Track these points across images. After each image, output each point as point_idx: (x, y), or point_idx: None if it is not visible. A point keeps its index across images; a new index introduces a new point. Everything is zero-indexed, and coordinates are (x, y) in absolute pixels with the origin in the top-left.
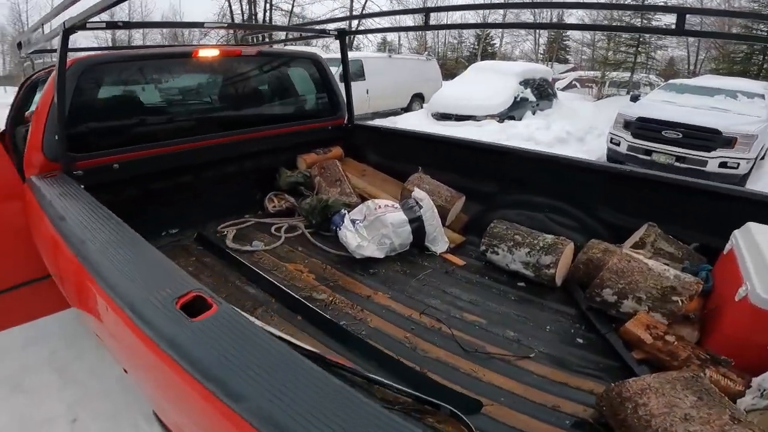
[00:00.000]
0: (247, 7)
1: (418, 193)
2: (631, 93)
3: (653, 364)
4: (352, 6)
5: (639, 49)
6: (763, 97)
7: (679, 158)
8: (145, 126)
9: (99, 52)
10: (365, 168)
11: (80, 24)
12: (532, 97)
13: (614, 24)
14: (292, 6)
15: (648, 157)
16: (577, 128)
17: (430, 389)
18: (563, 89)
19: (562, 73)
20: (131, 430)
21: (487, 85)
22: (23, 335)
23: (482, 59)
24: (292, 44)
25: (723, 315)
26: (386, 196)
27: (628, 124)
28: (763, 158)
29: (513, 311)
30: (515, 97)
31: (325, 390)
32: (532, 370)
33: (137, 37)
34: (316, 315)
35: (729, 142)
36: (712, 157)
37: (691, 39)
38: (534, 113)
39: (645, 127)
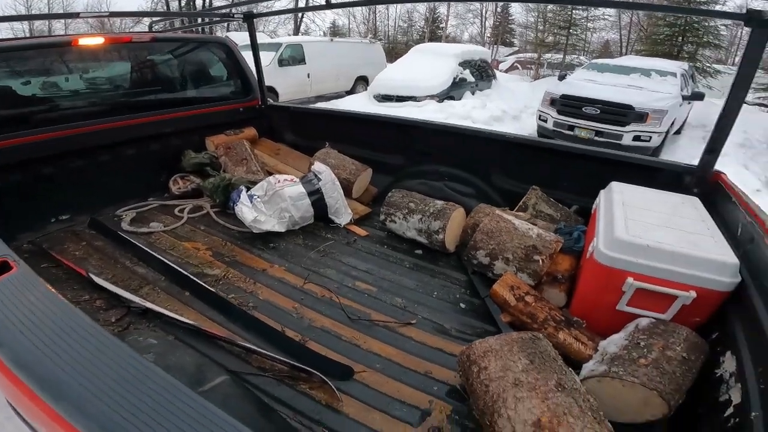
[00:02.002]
0: None
1: (317, 166)
2: (559, 73)
3: (520, 326)
4: None
5: (570, 31)
6: (675, 75)
7: (598, 133)
8: (27, 112)
9: None
10: (279, 147)
11: None
12: (471, 78)
13: None
14: None
15: (571, 132)
16: (513, 107)
17: (309, 357)
18: (506, 71)
19: (506, 56)
20: None
21: (427, 67)
22: None
23: (431, 42)
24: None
25: (581, 275)
26: (295, 173)
27: (553, 102)
28: (678, 133)
29: (405, 279)
30: (454, 78)
31: (109, 352)
32: (413, 337)
33: (58, 27)
34: (203, 290)
35: (641, 117)
36: (627, 131)
37: (622, 23)
38: (473, 93)
39: (568, 104)
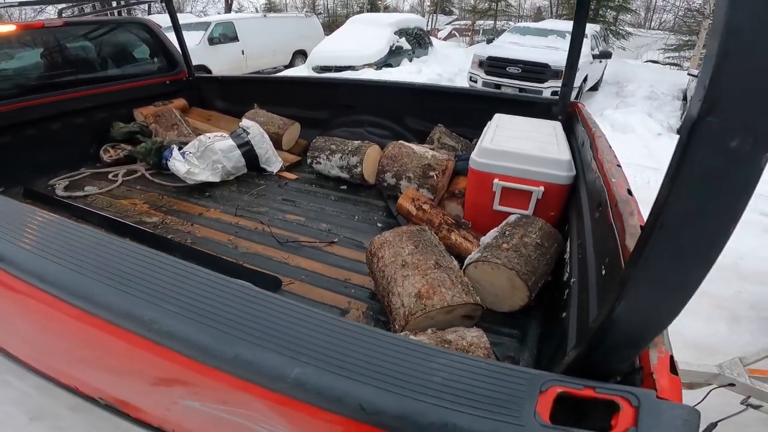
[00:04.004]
0: None
1: (245, 122)
2: (487, 37)
3: None
4: None
5: None
6: (586, 36)
7: (521, 90)
8: None
9: None
10: (210, 114)
11: None
12: (407, 46)
13: None
14: None
15: (498, 91)
16: (448, 71)
17: (242, 275)
18: (445, 39)
19: (446, 24)
20: (4, 387)
21: (364, 37)
22: None
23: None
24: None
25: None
26: (218, 131)
27: (481, 64)
28: (595, 89)
29: (330, 208)
30: (390, 47)
31: (59, 228)
32: (335, 253)
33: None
34: (142, 233)
35: (556, 74)
36: (545, 88)
37: None
38: (410, 60)
39: (494, 65)
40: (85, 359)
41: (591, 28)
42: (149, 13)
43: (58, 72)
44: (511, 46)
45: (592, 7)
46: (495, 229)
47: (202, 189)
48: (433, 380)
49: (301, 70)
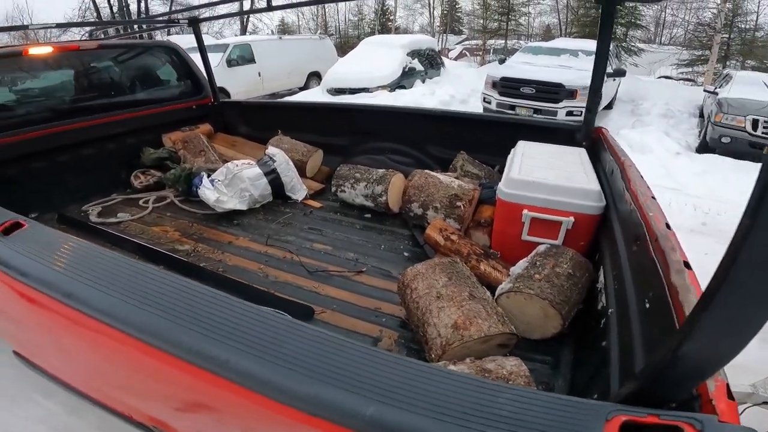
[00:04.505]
0: (116, 2)
1: (271, 150)
2: (499, 57)
3: None
4: None
5: (509, 17)
6: None
7: (536, 111)
8: None
9: None
10: (235, 140)
11: None
12: (420, 67)
13: None
14: None
15: (513, 112)
16: (461, 92)
17: (274, 303)
18: (455, 59)
19: (455, 44)
20: (31, 404)
21: (377, 58)
22: None
23: (380, 35)
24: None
25: (495, 215)
26: (245, 159)
27: (495, 84)
28: (610, 107)
29: (356, 237)
30: (404, 68)
31: (117, 263)
32: (364, 282)
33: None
34: (176, 261)
35: (571, 93)
36: (560, 108)
37: (559, 5)
38: (423, 81)
39: (507, 86)
40: (148, 393)
41: None
42: (168, 34)
43: (90, 96)
44: (524, 66)
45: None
46: (525, 259)
47: (230, 217)
48: (501, 414)
49: (316, 92)
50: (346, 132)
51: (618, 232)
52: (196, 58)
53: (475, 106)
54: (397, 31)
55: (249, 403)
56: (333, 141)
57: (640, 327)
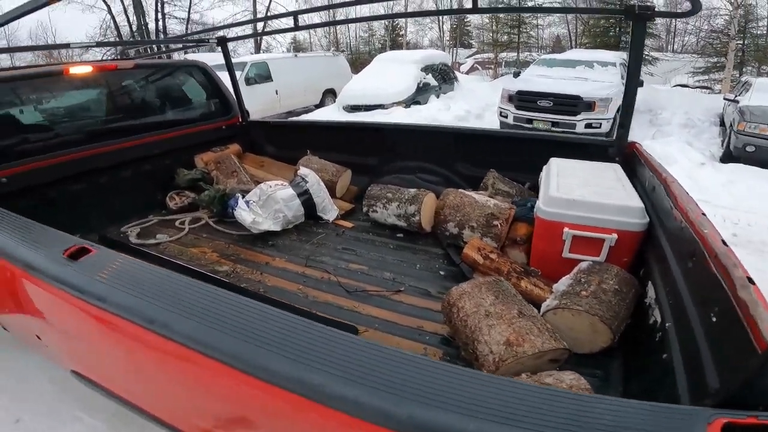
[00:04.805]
0: (135, 18)
1: (303, 171)
2: (513, 71)
3: None
4: (255, 11)
5: (520, 29)
6: (614, 65)
7: (554, 124)
8: (29, 140)
9: None
10: (263, 159)
11: None
12: (434, 82)
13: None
14: (189, 13)
15: (530, 125)
16: (476, 106)
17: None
18: (467, 72)
19: (466, 57)
20: (74, 422)
21: (392, 74)
22: None
23: (392, 50)
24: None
25: (533, 234)
26: (278, 180)
27: (511, 98)
28: None
29: (390, 257)
30: (418, 84)
31: (204, 292)
32: (403, 301)
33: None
34: (217, 282)
35: (589, 105)
36: (579, 120)
37: (569, 17)
38: (438, 97)
39: (524, 99)
40: (229, 417)
41: (618, 56)
42: (185, 54)
43: (126, 116)
44: (539, 79)
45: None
46: (568, 276)
47: (265, 238)
48: (602, 422)
49: (332, 110)
50: (373, 151)
51: (668, 249)
52: (223, 76)
53: (491, 121)
54: (408, 46)
55: (342, 428)
56: (360, 160)
57: (707, 340)
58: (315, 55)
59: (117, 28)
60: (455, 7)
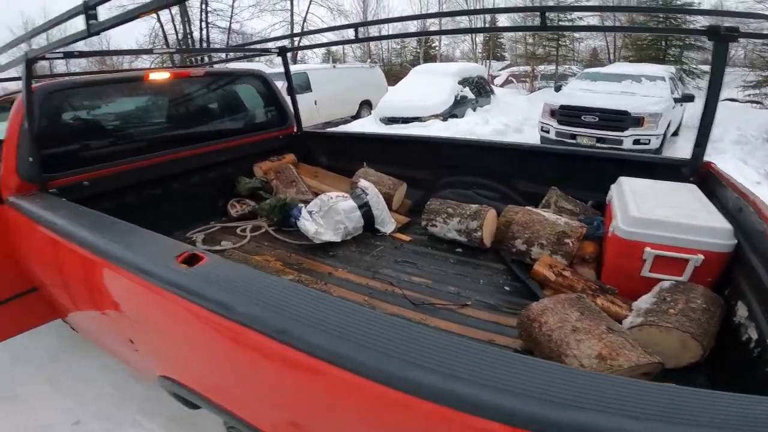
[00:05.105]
0: (182, 26)
1: (363, 183)
2: (554, 84)
3: None
4: (292, 21)
5: (559, 42)
6: (663, 79)
7: (599, 139)
8: (110, 144)
9: (57, 79)
10: (317, 170)
11: (40, 55)
12: (471, 95)
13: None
14: (230, 23)
15: (573, 141)
16: (514, 120)
17: None
18: (501, 85)
19: (499, 70)
20: (132, 425)
21: (429, 87)
22: (7, 353)
23: (424, 62)
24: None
25: (606, 252)
26: (337, 191)
27: (553, 113)
28: (675, 134)
29: (452, 271)
30: (455, 97)
31: (310, 297)
32: (470, 315)
33: (58, 63)
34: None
35: (638, 121)
36: (626, 136)
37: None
38: (474, 110)
39: (567, 114)
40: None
41: (666, 70)
42: (227, 63)
43: (195, 124)
44: (583, 93)
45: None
46: (649, 294)
47: (325, 248)
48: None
49: (369, 121)
50: (428, 165)
51: (760, 269)
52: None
53: (531, 136)
54: (440, 58)
55: None
56: (414, 174)
57: None
58: (352, 66)
59: (165, 36)
60: (487, 21)
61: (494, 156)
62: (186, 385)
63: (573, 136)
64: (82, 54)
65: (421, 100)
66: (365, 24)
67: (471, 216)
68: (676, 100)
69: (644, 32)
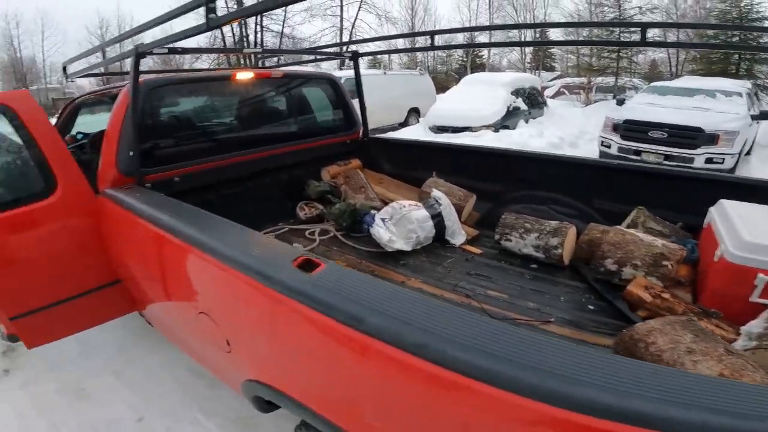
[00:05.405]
0: (239, 29)
1: (436, 193)
2: (616, 97)
3: None
4: (342, 26)
5: (620, 54)
6: (740, 95)
7: (667, 157)
8: (198, 141)
9: (154, 75)
10: (382, 177)
11: (149, 50)
12: (523, 106)
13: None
14: (282, 27)
15: (637, 157)
16: (569, 134)
17: None
18: (552, 97)
19: (549, 81)
20: (192, 425)
21: (481, 97)
22: (77, 344)
23: (471, 71)
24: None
25: (708, 276)
26: (403, 199)
27: (616, 127)
28: (748, 153)
29: (529, 287)
30: (508, 107)
31: (437, 309)
32: (554, 332)
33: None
34: None
35: (712, 139)
36: (698, 154)
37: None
38: (527, 122)
39: (632, 129)
40: None
41: (743, 85)
42: (262, 66)
43: (272, 124)
44: (650, 107)
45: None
46: (760, 319)
47: (395, 257)
48: None
49: (417, 129)
50: (499, 178)
51: None
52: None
53: (588, 150)
54: (484, 68)
55: None
56: (483, 186)
57: None
58: (402, 73)
59: (224, 38)
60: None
61: (573, 172)
62: (288, 393)
63: (637, 153)
64: (185, 51)
65: (473, 110)
66: (441, 32)
67: (551, 232)
68: (753, 118)
69: (724, 49)
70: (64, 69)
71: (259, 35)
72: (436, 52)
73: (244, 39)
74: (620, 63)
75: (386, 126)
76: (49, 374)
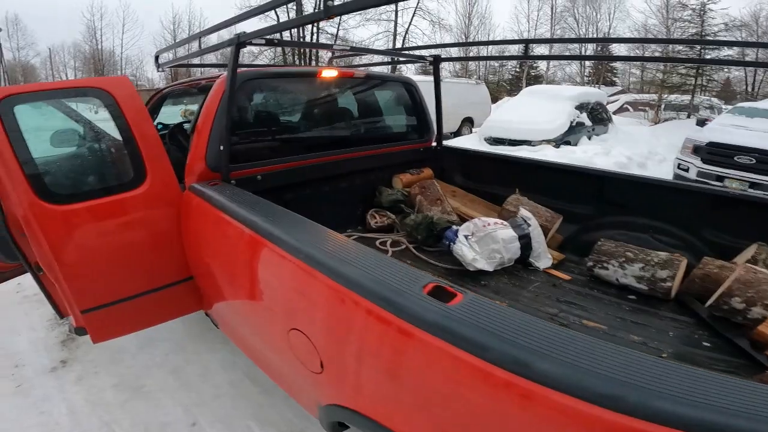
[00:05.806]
0: (296, 30)
1: (525, 213)
2: (696, 117)
3: None
4: (395, 31)
5: (699, 71)
6: None
7: (753, 185)
8: (282, 140)
9: (248, 68)
10: (455, 189)
11: (249, 40)
12: (587, 122)
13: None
14: (338, 30)
15: (720, 183)
16: (636, 153)
17: None
18: (615, 113)
19: (611, 96)
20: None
21: (542, 110)
22: (135, 339)
23: (526, 83)
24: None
25: None
26: (478, 216)
27: (697, 150)
28: None
29: (630, 319)
30: (571, 122)
31: (589, 346)
32: None
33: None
34: None
35: None
36: None
37: (747, 59)
38: (590, 138)
39: (716, 153)
40: None
41: None
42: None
43: (349, 126)
44: (737, 130)
45: None
46: None
47: (474, 276)
48: None
49: (471, 140)
50: (591, 200)
51: None
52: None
53: (658, 172)
54: (540, 80)
55: None
56: (569, 207)
57: None
58: (459, 82)
59: (281, 37)
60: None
61: (676, 199)
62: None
63: (720, 178)
64: (281, 43)
65: (533, 123)
66: (536, 41)
67: (660, 264)
68: None
69: None
70: (156, 58)
71: (315, 37)
72: (489, 62)
73: (301, 40)
74: (698, 80)
75: None
76: (109, 367)
